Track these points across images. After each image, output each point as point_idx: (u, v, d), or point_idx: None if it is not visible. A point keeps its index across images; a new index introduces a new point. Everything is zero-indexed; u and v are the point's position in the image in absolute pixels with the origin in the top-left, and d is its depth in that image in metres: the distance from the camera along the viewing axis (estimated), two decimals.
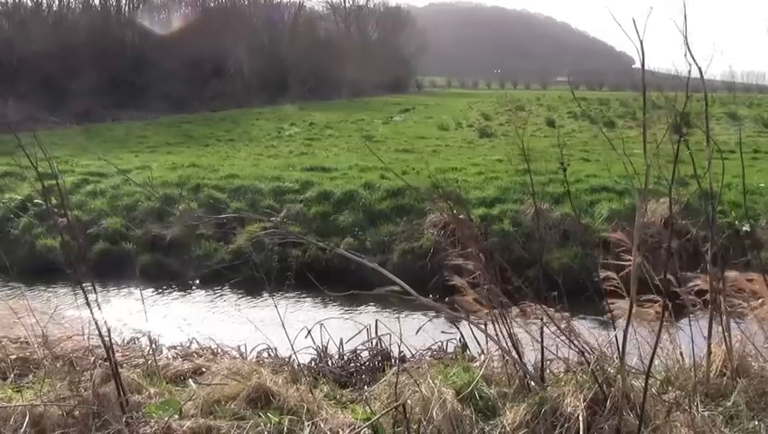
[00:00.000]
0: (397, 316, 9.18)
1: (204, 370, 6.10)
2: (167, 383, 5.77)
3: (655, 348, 4.59)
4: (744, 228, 12.33)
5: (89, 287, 5.06)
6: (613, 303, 5.48)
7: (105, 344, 4.99)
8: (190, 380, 5.90)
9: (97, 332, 5.01)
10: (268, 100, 54.99)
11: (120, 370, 5.35)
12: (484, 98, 75.85)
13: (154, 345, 6.84)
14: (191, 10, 60.93)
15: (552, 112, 45.35)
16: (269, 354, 6.80)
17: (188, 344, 7.31)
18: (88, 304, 4.97)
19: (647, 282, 5.69)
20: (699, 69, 4.50)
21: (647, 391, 4.39)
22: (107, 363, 5.08)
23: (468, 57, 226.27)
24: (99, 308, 5.03)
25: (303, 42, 68.22)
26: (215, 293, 11.95)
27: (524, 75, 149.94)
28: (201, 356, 6.85)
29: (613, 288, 5.51)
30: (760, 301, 5.48)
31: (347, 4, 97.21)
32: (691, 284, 5.73)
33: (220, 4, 63.99)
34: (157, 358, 6.44)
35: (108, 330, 5.03)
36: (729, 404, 5.00)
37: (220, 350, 7.06)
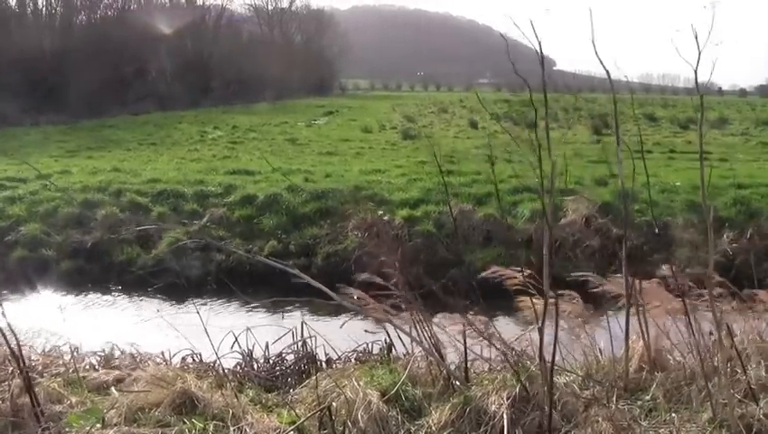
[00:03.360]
0: (322, 318, 9.19)
1: (127, 377, 5.99)
2: (89, 392, 5.65)
3: (556, 342, 4.68)
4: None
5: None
6: (523, 301, 5.55)
7: (14, 353, 4.89)
8: (113, 388, 5.79)
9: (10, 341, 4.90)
10: (191, 104, 54.43)
11: (40, 379, 5.25)
12: (408, 100, 76.39)
13: (75, 353, 6.71)
14: (111, 12, 59.97)
15: (475, 114, 45.82)
16: (194, 360, 6.72)
17: (111, 352, 7.19)
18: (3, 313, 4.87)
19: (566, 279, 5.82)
20: (608, 71, 4.61)
21: (551, 388, 4.48)
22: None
23: (391, 59, 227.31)
24: (4, 316, 4.92)
25: (226, 45, 67.66)
26: (138, 299, 11.78)
27: (447, 77, 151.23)
28: (124, 363, 6.74)
29: (530, 287, 5.59)
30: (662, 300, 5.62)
31: (270, 7, 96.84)
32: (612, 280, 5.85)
33: (141, 6, 63.08)
34: (79, 366, 6.31)
35: (17, 339, 4.92)
36: (648, 398, 5.11)
37: (143, 356, 6.96)
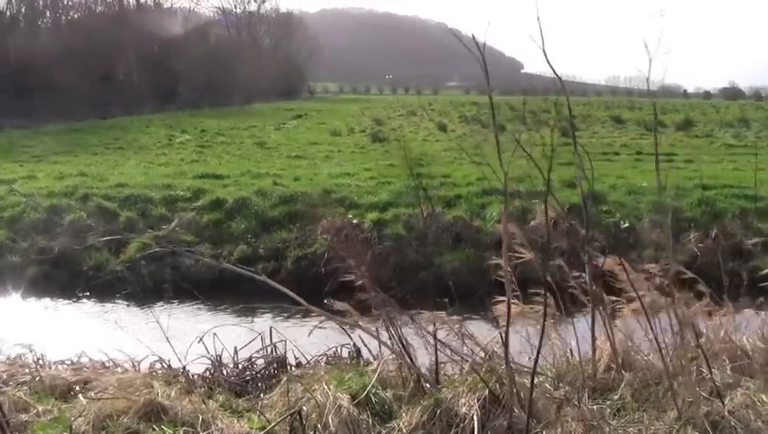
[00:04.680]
0: (292, 322, 9.17)
1: (96, 384, 5.95)
2: (56, 400, 5.60)
3: (539, 348, 4.71)
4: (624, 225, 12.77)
5: None
6: (499, 302, 5.58)
7: None
8: (80, 395, 5.74)
9: None
10: (159, 107, 54.12)
11: (5, 388, 5.20)
12: (376, 103, 76.41)
13: (41, 361, 6.65)
14: (78, 15, 59.59)
15: (444, 117, 45.96)
16: (162, 366, 6.68)
17: (78, 358, 7.13)
18: None
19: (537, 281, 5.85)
20: (560, 78, 4.65)
21: (533, 388, 4.51)
22: None
23: (360, 63, 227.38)
24: None
25: (194, 49, 67.32)
26: (106, 305, 11.68)
27: (416, 80, 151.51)
28: (91, 370, 6.69)
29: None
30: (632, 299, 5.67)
31: (238, 11, 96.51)
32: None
33: (108, 10, 62.71)
34: (45, 374, 6.25)
35: None
36: (616, 397, 5.17)
37: (111, 363, 6.90)
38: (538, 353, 4.69)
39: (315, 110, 60.38)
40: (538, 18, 4.53)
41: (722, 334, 5.75)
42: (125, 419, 4.95)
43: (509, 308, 4.71)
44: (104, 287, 11.96)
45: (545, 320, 4.83)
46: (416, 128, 38.54)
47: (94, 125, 39.94)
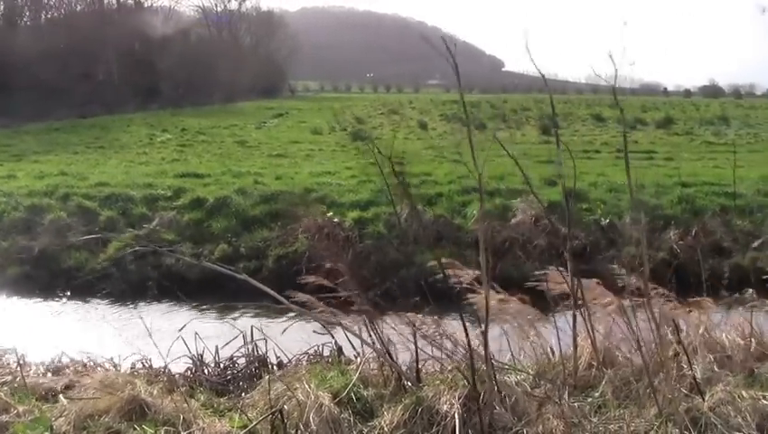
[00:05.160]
0: (273, 321, 9.16)
1: (76, 384, 5.92)
2: (37, 400, 5.57)
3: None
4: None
5: None
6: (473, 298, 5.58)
7: None
8: (61, 395, 5.72)
9: None
10: (140, 106, 53.88)
11: None
12: (357, 101, 76.38)
13: (21, 361, 6.62)
14: (58, 14, 59.23)
15: (424, 115, 46.02)
16: (144, 365, 6.67)
17: (59, 359, 7.10)
18: None
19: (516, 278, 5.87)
20: (543, 75, 4.67)
21: (494, 382, 4.51)
22: None
23: (341, 61, 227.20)
24: None
25: (174, 47, 67.05)
26: (87, 304, 11.62)
27: (397, 78, 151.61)
28: (72, 370, 6.67)
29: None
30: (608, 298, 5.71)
31: (218, 9, 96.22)
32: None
33: (88, 9, 62.36)
34: (25, 374, 6.23)
35: None
36: (597, 395, 5.19)
37: (92, 363, 6.88)
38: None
39: (296, 109, 60.31)
40: (524, 15, 4.55)
41: (701, 331, 5.79)
42: (106, 419, 4.93)
43: (487, 306, 4.72)
44: (84, 287, 11.89)
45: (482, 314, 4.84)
46: (397, 127, 38.57)
47: (74, 124, 39.71)
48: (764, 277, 6.60)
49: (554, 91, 5.24)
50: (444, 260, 5.66)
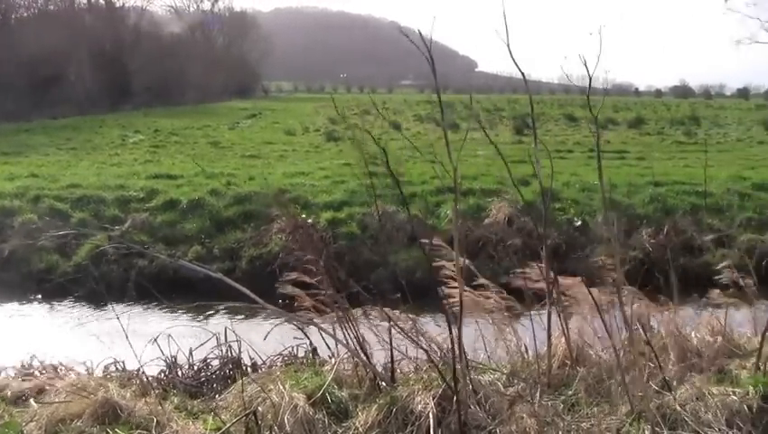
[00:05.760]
0: (247, 322, 9.14)
1: (48, 388, 5.87)
2: (7, 405, 5.53)
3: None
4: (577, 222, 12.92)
5: None
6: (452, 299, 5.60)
7: None
8: (32, 400, 5.67)
9: None
10: (112, 107, 53.54)
11: None
12: (331, 102, 76.32)
13: None
14: (28, 14, 58.71)
15: (398, 116, 46.05)
16: (117, 368, 6.62)
17: (30, 363, 7.04)
18: None
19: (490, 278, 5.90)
20: (524, 75, 4.70)
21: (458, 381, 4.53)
22: None
23: (314, 61, 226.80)
24: None
25: (146, 48, 66.67)
26: (59, 307, 11.54)
27: (370, 79, 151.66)
28: (44, 374, 6.61)
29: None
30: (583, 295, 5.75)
31: (191, 9, 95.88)
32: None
33: (59, 9, 61.86)
34: None
35: None
36: (570, 393, 5.22)
37: (64, 367, 6.83)
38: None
39: (270, 110, 60.19)
40: (496, 16, 4.58)
41: (672, 329, 5.85)
42: (78, 423, 4.90)
43: (461, 306, 4.74)
44: (56, 290, 11.79)
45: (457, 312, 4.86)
46: (371, 127, 38.45)
47: (45, 125, 39.38)
48: (716, 277, 6.67)
49: (528, 91, 5.26)
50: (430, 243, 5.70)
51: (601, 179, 5.13)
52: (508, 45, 4.66)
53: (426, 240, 5.79)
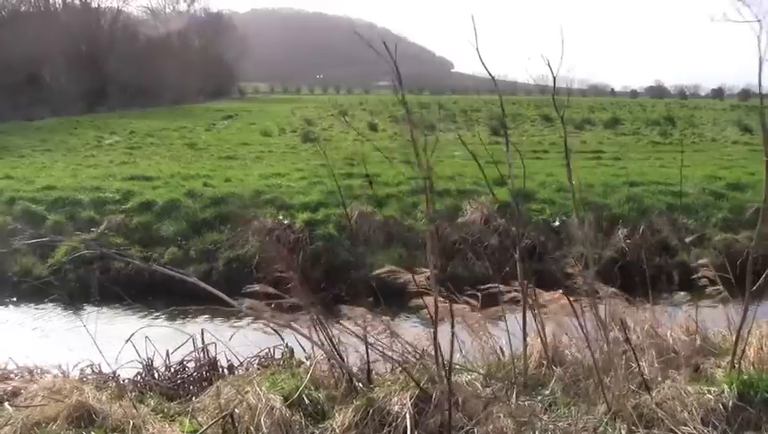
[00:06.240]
0: (224, 324, 9.11)
1: (23, 391, 5.82)
2: None
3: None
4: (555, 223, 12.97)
5: None
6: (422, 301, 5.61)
7: None
8: (6, 403, 5.62)
9: None
10: (87, 109, 53.22)
11: None
12: (307, 103, 76.28)
13: None
14: (2, 14, 58.24)
15: (374, 116, 46.06)
16: (93, 371, 6.58)
17: (5, 366, 6.98)
18: None
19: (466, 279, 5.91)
20: (493, 77, 4.72)
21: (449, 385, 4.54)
22: None
23: (291, 63, 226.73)
24: None
25: (121, 49, 66.34)
26: (35, 310, 11.43)
27: (347, 80, 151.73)
28: (19, 377, 6.56)
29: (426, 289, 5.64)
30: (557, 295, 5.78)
31: (167, 10, 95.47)
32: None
33: (32, 9, 61.43)
34: None
35: None
36: (547, 393, 5.25)
37: (39, 369, 6.78)
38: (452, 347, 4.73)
39: (246, 111, 60.04)
40: (472, 17, 4.59)
41: (648, 328, 5.88)
42: (53, 427, 4.88)
43: (436, 307, 4.75)
44: (31, 293, 11.69)
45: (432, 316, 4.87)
46: (348, 128, 38.56)
47: (20, 126, 39.03)
48: (692, 276, 6.72)
49: (503, 92, 5.27)
50: (395, 268, 5.71)
51: (570, 181, 5.15)
52: (477, 50, 4.67)
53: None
